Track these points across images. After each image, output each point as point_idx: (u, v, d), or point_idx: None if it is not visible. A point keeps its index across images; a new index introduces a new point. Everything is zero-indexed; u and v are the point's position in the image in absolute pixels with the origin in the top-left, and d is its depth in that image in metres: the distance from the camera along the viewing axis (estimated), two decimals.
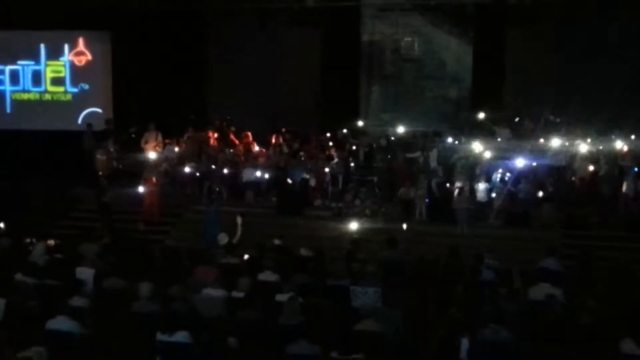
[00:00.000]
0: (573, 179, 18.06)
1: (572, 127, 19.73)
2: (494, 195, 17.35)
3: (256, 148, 20.41)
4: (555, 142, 18.85)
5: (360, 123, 22.21)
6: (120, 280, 10.94)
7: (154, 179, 18.04)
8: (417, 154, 18.90)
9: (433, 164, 18.46)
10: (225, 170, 19.00)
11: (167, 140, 20.27)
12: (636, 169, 17.19)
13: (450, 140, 19.93)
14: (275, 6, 21.69)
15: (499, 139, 19.71)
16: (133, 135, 20.62)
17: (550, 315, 9.73)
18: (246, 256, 13.11)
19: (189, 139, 20.42)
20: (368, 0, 22.36)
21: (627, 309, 10.00)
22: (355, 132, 21.24)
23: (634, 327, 8.57)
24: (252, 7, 21.63)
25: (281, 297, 10.12)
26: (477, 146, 18.84)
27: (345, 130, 21.05)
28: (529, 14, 20.46)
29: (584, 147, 18.60)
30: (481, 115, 20.75)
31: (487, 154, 18.42)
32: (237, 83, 22.69)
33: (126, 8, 20.70)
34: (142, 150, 19.73)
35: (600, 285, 11.37)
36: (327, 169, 18.79)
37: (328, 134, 21.04)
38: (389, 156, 19.38)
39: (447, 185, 18.04)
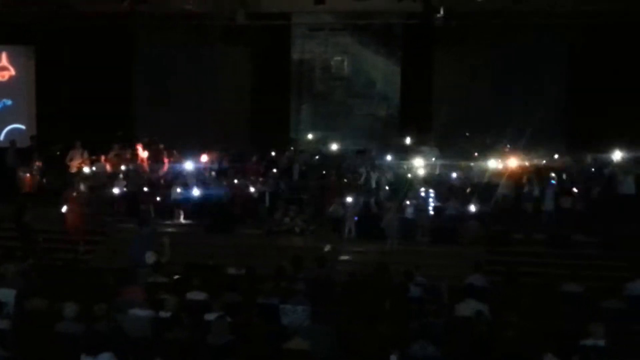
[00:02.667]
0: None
1: (499, 145, 20.24)
2: (422, 212, 17.59)
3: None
4: (484, 161, 19.36)
5: (296, 140, 22.37)
6: (43, 300, 10.64)
7: (75, 194, 17.66)
8: (362, 170, 18.98)
9: (367, 182, 18.63)
10: (153, 189, 18.77)
11: (93, 157, 19.90)
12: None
13: (379, 158, 20.20)
14: (205, 23, 21.63)
15: (428, 158, 20.01)
16: (58, 153, 20.17)
17: (476, 331, 9.89)
18: (176, 276, 12.93)
19: (115, 156, 20.09)
20: (298, 19, 22.52)
21: (549, 324, 10.25)
22: (291, 150, 21.31)
23: (555, 342, 8.78)
24: (182, 23, 21.52)
25: (209, 316, 10.01)
26: (406, 164, 19.14)
27: (291, 150, 21.04)
28: (455, 35, 20.95)
29: (509, 164, 19.10)
30: (407, 141, 21.01)
31: (417, 172, 18.73)
32: (166, 99, 22.53)
33: (51, 23, 20.31)
34: (67, 168, 19.32)
35: (524, 300, 11.62)
36: (252, 189, 18.72)
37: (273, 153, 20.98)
38: (323, 172, 19.49)
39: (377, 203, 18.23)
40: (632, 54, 19.73)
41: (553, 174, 18.14)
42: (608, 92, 19.70)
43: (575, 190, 17.76)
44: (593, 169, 18.79)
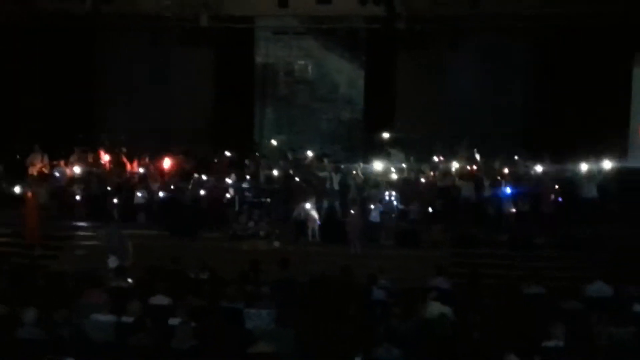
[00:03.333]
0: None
1: (461, 148, 20.38)
2: (385, 215, 17.66)
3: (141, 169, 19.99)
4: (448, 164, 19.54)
5: (259, 143, 22.32)
6: (2, 306, 10.47)
7: (31, 194, 17.43)
8: (325, 173, 19.01)
9: (333, 185, 18.66)
10: (115, 192, 18.60)
11: (54, 162, 19.63)
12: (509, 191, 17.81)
13: (344, 161, 20.27)
14: (167, 25, 21.46)
15: (393, 161, 20.06)
16: (17, 157, 19.86)
17: (440, 333, 9.97)
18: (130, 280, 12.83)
19: (76, 160, 19.84)
20: (262, 22, 22.47)
21: (511, 325, 10.37)
22: (256, 154, 21.24)
23: (517, 343, 8.89)
24: (144, 25, 21.33)
25: (173, 321, 9.94)
26: (371, 168, 19.22)
27: (256, 155, 20.96)
28: (419, 39, 21.06)
29: (469, 167, 19.28)
30: (386, 135, 20.93)
31: (382, 175, 18.81)
32: (128, 102, 22.30)
33: (9, 23, 20.00)
34: (27, 172, 19.04)
35: (487, 302, 11.74)
36: (229, 194, 18.64)
37: (227, 154, 20.85)
38: (290, 172, 19.47)
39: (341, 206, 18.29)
40: (596, 58, 19.89)
41: (507, 175, 18.33)
42: (572, 97, 19.90)
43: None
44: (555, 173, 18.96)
